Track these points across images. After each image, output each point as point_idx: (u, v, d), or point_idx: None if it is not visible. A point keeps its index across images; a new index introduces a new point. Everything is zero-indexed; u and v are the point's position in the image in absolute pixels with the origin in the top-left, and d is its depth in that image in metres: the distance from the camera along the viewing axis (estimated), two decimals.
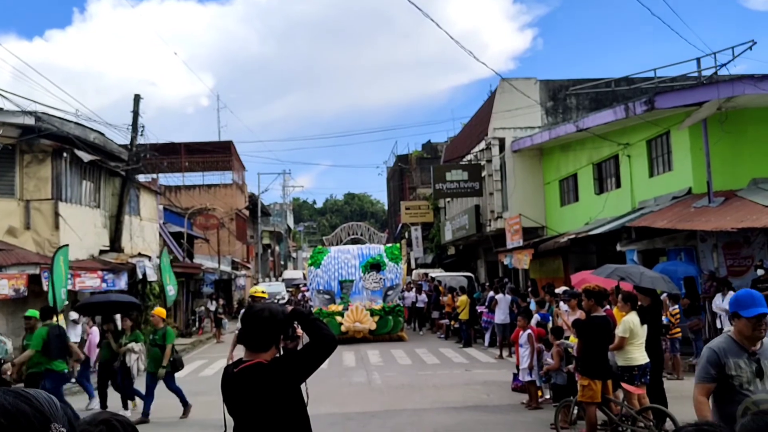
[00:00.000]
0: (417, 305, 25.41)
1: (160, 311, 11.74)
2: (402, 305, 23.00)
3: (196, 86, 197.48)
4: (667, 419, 7.53)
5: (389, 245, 25.92)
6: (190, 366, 18.13)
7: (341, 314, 21.57)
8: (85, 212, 18.24)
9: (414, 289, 26.19)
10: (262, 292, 9.73)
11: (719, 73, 16.74)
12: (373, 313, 21.56)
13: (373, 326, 21.33)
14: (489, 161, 26.15)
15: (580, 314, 10.28)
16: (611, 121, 17.74)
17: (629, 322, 7.97)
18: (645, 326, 8.11)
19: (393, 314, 21.93)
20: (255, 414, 3.22)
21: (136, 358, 11.34)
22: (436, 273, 30.22)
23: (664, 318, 11.33)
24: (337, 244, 27.23)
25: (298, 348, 3.38)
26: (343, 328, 21.01)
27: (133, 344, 11.42)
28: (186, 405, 11.05)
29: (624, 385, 7.93)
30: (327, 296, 22.65)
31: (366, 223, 30.40)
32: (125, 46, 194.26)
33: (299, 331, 3.41)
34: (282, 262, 72.24)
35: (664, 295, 11.92)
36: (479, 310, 20.00)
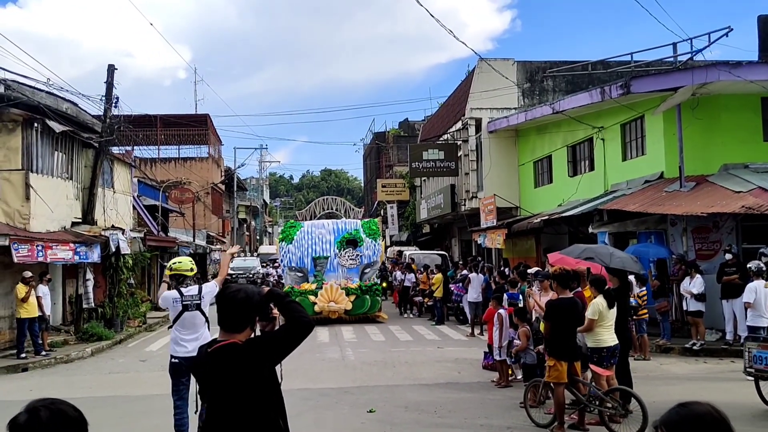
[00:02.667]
0: (404, 284, 23.69)
1: None
2: (379, 283, 21.72)
3: (174, 58, 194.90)
4: (633, 399, 7.71)
5: (366, 220, 24.21)
6: (163, 339, 18.10)
7: (315, 293, 20.33)
8: (57, 184, 17.98)
9: (403, 268, 24.64)
10: (189, 269, 7.44)
11: (695, 59, 16.91)
12: (348, 292, 20.37)
13: (349, 306, 20.19)
14: (465, 141, 26.25)
15: (552, 294, 10.46)
16: (587, 104, 17.88)
17: (598, 305, 8.13)
18: (614, 309, 8.25)
19: (370, 293, 20.71)
20: (228, 394, 3.21)
21: None
22: (410, 251, 30.40)
23: (631, 300, 11.54)
24: (310, 219, 26.41)
25: (275, 329, 3.38)
26: (316, 308, 19.86)
27: None
28: None
29: (592, 366, 8.09)
30: (299, 274, 21.35)
31: (342, 197, 29.25)
32: (102, 15, 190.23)
33: (275, 311, 3.40)
34: (258, 237, 72.00)
35: (631, 277, 12.14)
36: (451, 288, 20.16)
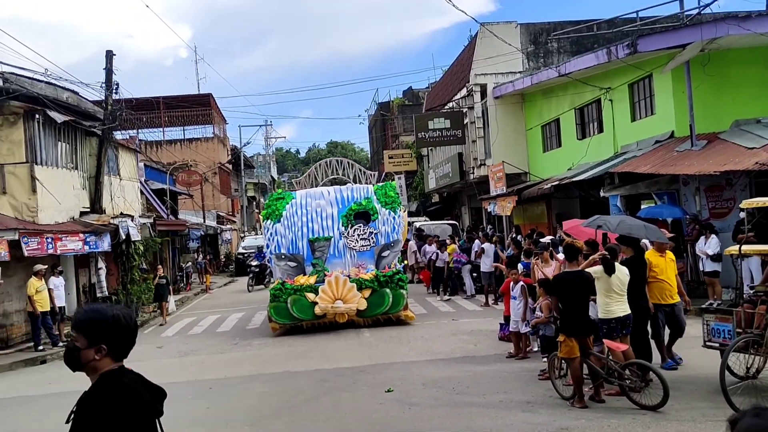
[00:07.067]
0: (437, 265, 19.92)
1: None
2: (402, 271, 16.01)
3: (174, 38, 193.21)
4: (651, 371, 7.59)
5: (381, 184, 17.52)
6: (178, 324, 18.19)
7: (314, 289, 14.71)
8: (62, 174, 17.92)
9: (435, 243, 20.52)
10: None
11: (703, 14, 16.49)
12: (361, 285, 14.80)
13: (363, 305, 14.70)
14: (471, 108, 25.94)
15: (554, 266, 10.31)
16: (593, 66, 17.54)
17: (596, 270, 7.97)
18: (619, 277, 8.03)
19: (391, 285, 14.93)
20: None
21: None
22: (420, 221, 30.24)
23: None
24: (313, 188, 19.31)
25: None
26: (317, 310, 14.58)
27: None
28: None
29: (607, 342, 7.93)
30: (292, 263, 15.53)
31: (349, 159, 22.68)
32: None
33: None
34: None
35: (645, 241, 11.96)
36: (454, 257, 19.72)
